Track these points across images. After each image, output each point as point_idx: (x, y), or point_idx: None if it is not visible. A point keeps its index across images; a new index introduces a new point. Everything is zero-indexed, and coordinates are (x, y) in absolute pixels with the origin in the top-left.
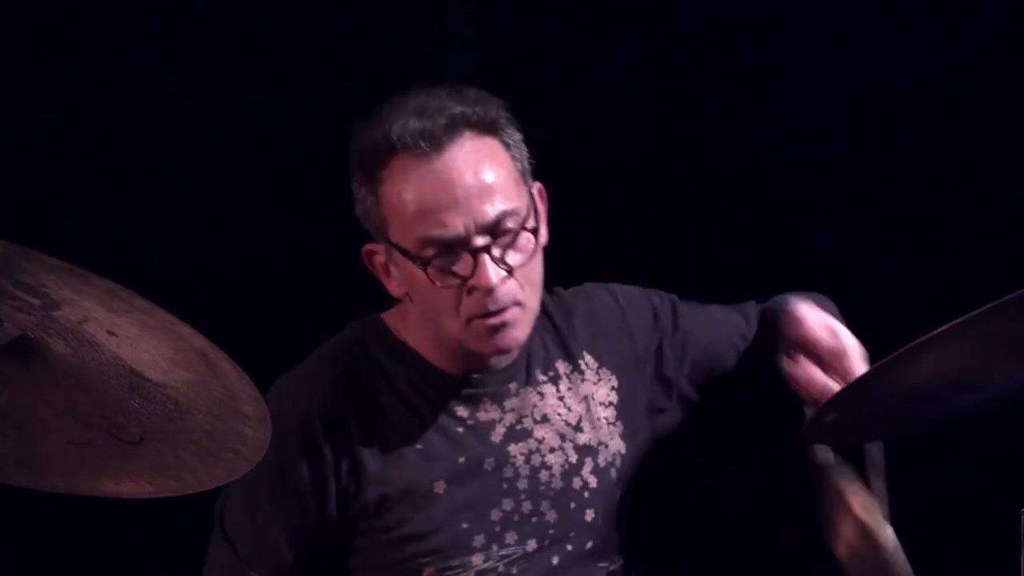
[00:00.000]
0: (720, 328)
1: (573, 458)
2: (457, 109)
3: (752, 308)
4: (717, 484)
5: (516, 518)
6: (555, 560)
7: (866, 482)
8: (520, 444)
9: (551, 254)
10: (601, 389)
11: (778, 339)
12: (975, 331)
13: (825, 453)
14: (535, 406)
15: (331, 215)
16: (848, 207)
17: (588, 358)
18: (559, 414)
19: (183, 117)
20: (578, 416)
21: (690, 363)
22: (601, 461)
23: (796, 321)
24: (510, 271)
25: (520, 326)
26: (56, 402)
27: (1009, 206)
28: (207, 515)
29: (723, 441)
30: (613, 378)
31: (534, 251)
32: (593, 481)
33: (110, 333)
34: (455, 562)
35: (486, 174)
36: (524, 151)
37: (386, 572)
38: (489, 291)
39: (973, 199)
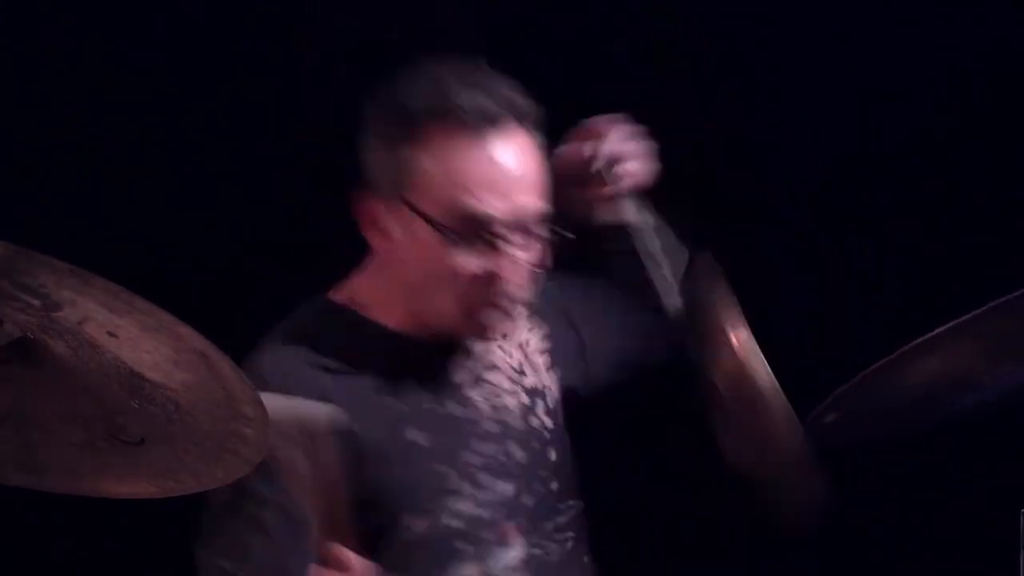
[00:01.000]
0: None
1: (526, 400)
2: (514, 97)
3: None
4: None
5: (487, 460)
6: (528, 501)
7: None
8: (478, 389)
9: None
10: (535, 336)
11: None
12: (975, 331)
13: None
14: (483, 353)
15: (331, 216)
16: (848, 207)
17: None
18: (503, 359)
19: (183, 117)
20: (519, 361)
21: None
22: (550, 402)
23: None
24: (538, 269)
25: (513, 320)
26: (56, 403)
27: (1009, 206)
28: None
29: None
30: (544, 325)
31: (546, 256)
32: (549, 421)
33: (110, 334)
34: (431, 505)
35: (534, 169)
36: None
37: (367, 530)
38: (519, 285)
39: (973, 199)
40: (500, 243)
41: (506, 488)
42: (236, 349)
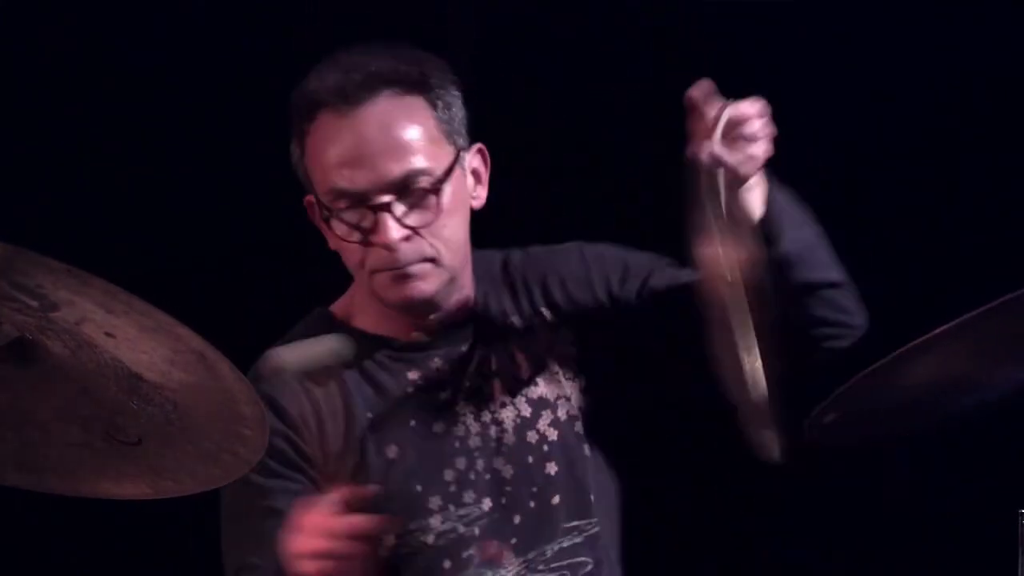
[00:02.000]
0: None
1: (526, 412)
2: (378, 66)
3: None
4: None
5: (471, 476)
6: (517, 518)
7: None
8: (468, 403)
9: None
10: (559, 345)
11: None
12: (974, 332)
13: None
14: (483, 363)
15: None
16: (848, 207)
17: (546, 312)
18: (509, 370)
19: (183, 117)
20: (530, 371)
21: (652, 320)
22: (561, 414)
23: None
24: (414, 229)
25: (430, 280)
26: (55, 404)
27: (1009, 206)
28: (205, 516)
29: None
30: (571, 333)
31: (445, 210)
32: (553, 434)
33: (108, 335)
34: (413, 526)
35: (397, 132)
36: (457, 112)
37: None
38: (389, 248)
39: (973, 199)
40: (369, 212)
41: (485, 504)
42: (235, 350)
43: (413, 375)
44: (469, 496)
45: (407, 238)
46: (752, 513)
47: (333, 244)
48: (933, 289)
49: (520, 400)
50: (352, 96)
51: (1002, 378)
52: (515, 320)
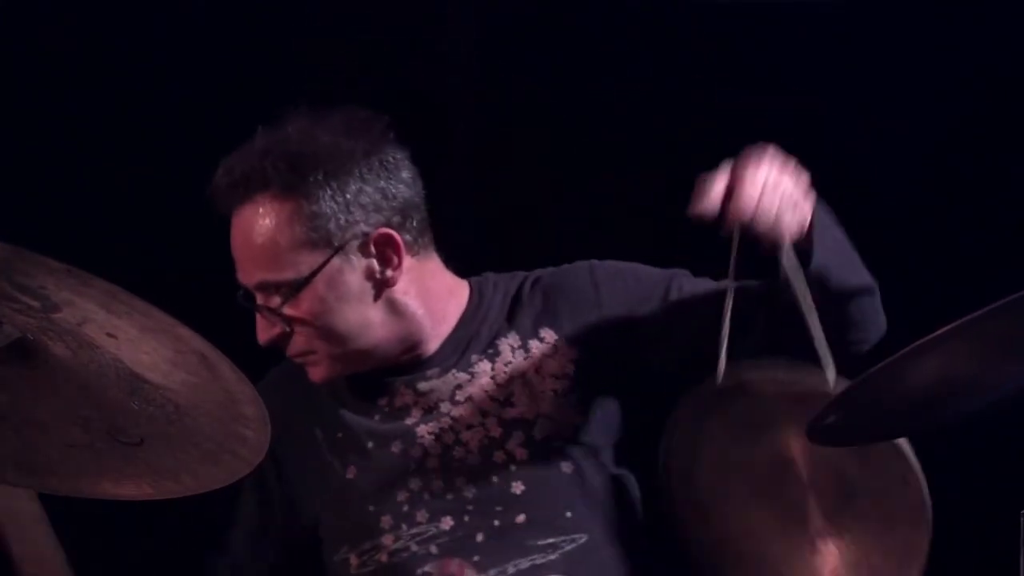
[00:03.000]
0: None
1: (496, 432)
2: (246, 170)
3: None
4: None
5: (426, 496)
6: (479, 536)
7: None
8: (431, 424)
9: (552, 247)
10: (556, 362)
11: None
12: (975, 333)
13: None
14: (458, 387)
15: None
16: (848, 208)
17: (547, 333)
18: (485, 391)
19: (183, 117)
20: (510, 391)
21: (674, 338)
22: (538, 433)
23: None
24: (283, 328)
25: (320, 367)
26: (56, 404)
27: (1009, 206)
28: (206, 517)
29: None
30: (573, 351)
31: (312, 311)
32: (522, 453)
33: (110, 335)
34: (367, 545)
35: (251, 245)
36: (339, 207)
37: (326, 569)
38: (262, 343)
39: (975, 199)
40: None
41: (444, 523)
42: (236, 350)
43: (380, 400)
44: (422, 516)
45: (275, 337)
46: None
47: None
48: (935, 290)
49: (491, 421)
50: (222, 202)
51: (1004, 379)
52: (505, 340)
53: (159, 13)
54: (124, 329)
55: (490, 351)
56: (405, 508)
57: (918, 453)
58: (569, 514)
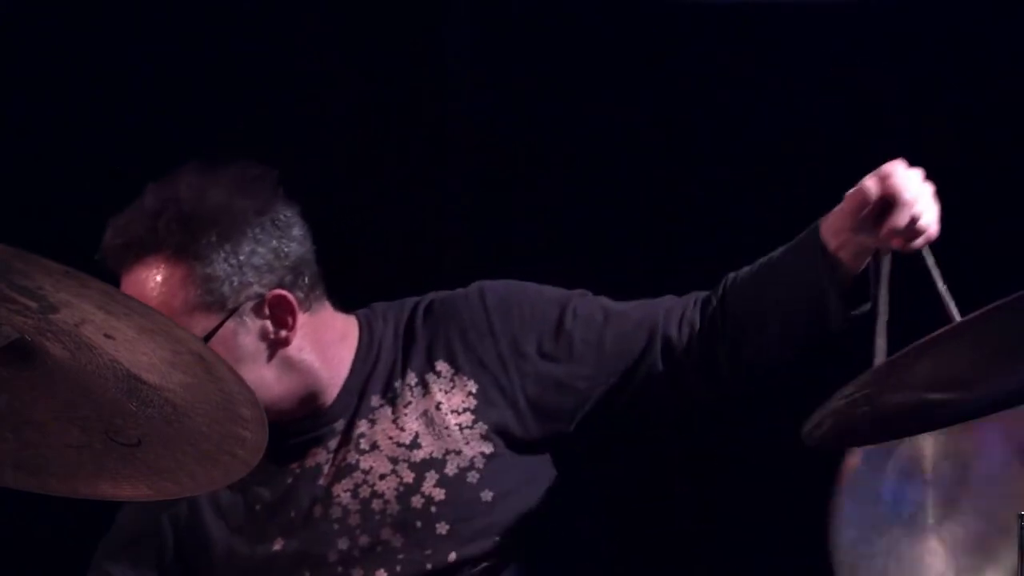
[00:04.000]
0: (616, 321)
1: (409, 478)
2: (135, 231)
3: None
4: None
5: (356, 553)
6: None
7: None
8: (345, 481)
9: (550, 254)
10: (456, 396)
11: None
12: (973, 334)
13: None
14: (363, 436)
15: (330, 218)
16: None
17: (442, 366)
18: (390, 437)
19: (183, 118)
20: (414, 433)
21: (580, 361)
22: (450, 470)
23: (842, 209)
24: None
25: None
26: (54, 405)
27: (1009, 206)
28: None
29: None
30: (471, 383)
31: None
32: (439, 494)
33: (108, 336)
34: None
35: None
36: (232, 270)
37: None
38: None
39: (973, 200)
40: None
41: (380, 574)
42: None
43: (294, 464)
44: (358, 572)
45: None
46: (749, 515)
47: None
48: (933, 291)
49: (402, 467)
50: (113, 262)
51: (1001, 380)
52: (403, 379)
53: (159, 13)
54: (122, 330)
55: (389, 395)
56: (340, 569)
57: None
58: (497, 538)
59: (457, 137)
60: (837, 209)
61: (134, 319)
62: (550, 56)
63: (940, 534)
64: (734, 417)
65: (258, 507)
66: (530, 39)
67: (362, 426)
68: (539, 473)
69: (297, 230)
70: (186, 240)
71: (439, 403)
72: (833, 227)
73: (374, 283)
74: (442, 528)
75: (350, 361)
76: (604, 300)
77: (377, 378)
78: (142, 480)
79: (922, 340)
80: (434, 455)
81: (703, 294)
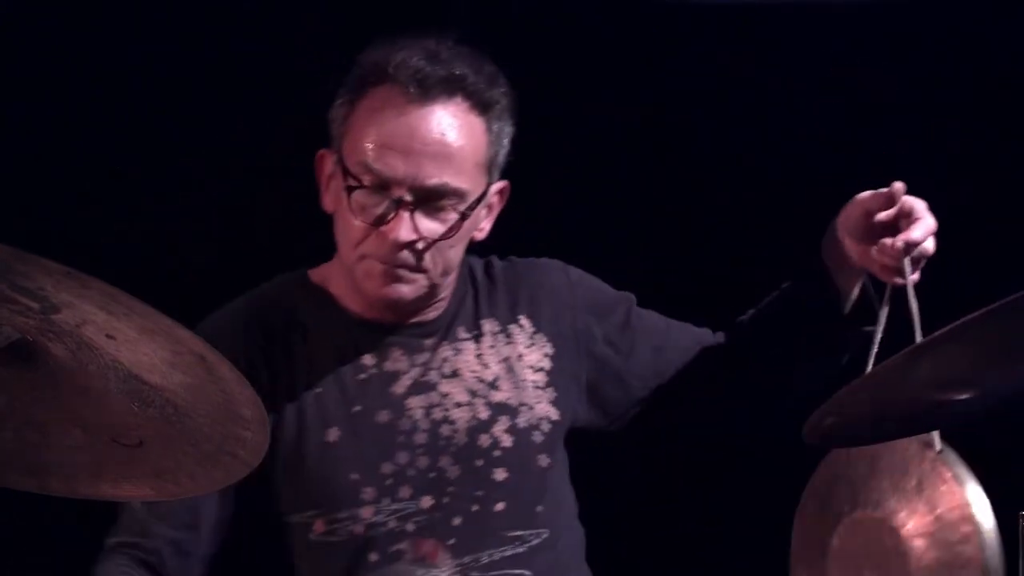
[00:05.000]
0: (675, 334)
1: (484, 414)
2: (462, 70)
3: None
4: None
5: (411, 472)
6: (457, 520)
7: None
8: (421, 397)
9: (550, 254)
10: (534, 353)
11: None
12: (973, 334)
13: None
14: (446, 360)
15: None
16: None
17: (525, 322)
18: (473, 371)
19: (183, 119)
20: (495, 374)
21: (639, 360)
22: (521, 422)
23: (838, 222)
24: (423, 238)
25: (413, 287)
26: (55, 406)
27: (1009, 207)
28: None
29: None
30: (548, 345)
31: (457, 233)
32: (507, 440)
33: (109, 337)
34: (343, 514)
35: (451, 143)
36: (505, 146)
37: (280, 526)
38: (394, 243)
39: (973, 200)
40: (389, 202)
41: (423, 501)
42: None
43: (368, 360)
44: (406, 491)
45: (413, 242)
46: (749, 515)
47: (331, 207)
48: (933, 291)
49: (479, 402)
50: (427, 87)
51: (1001, 381)
52: (489, 324)
53: (159, 13)
54: (123, 330)
55: (475, 331)
56: (389, 482)
57: None
58: (539, 508)
59: None
60: (838, 222)
61: (135, 319)
62: (550, 56)
63: None
64: (734, 417)
65: (320, 390)
66: (530, 39)
67: (447, 351)
68: (565, 459)
69: None
70: (492, 97)
71: (520, 354)
72: (825, 243)
73: None
74: (500, 474)
75: (454, 286)
76: (655, 315)
77: (466, 312)
78: (143, 481)
79: (922, 340)
80: (510, 401)
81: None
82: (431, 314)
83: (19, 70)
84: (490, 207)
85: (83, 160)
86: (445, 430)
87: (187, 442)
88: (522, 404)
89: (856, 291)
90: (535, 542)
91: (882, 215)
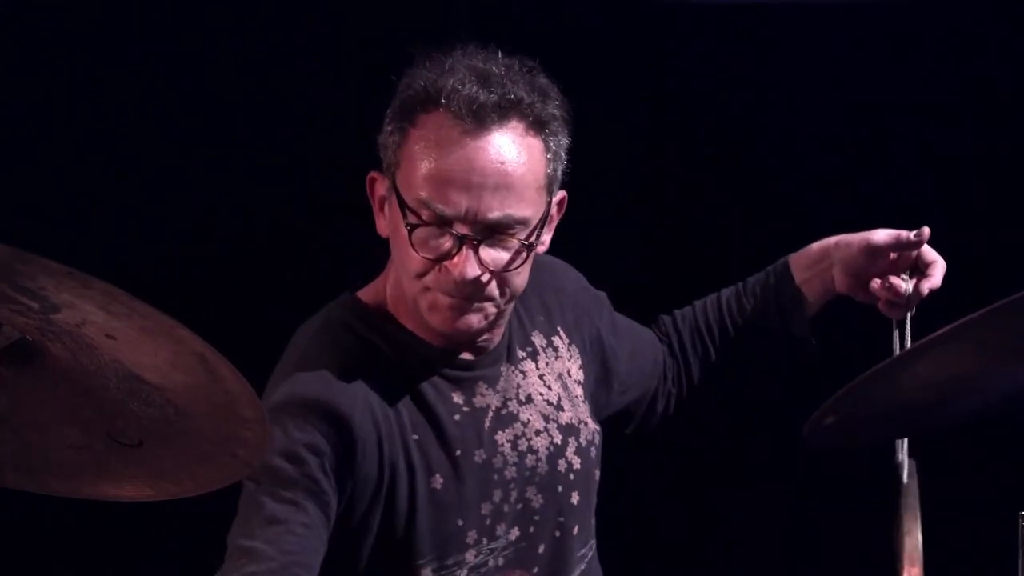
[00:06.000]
0: (641, 339)
1: (558, 439)
2: (516, 92)
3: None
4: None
5: (505, 508)
6: (541, 548)
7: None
8: (507, 430)
9: (552, 249)
10: (573, 365)
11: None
12: (973, 334)
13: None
14: (519, 386)
15: (333, 220)
16: (849, 211)
17: (561, 333)
18: (540, 393)
19: (183, 119)
20: (557, 394)
21: (623, 365)
22: (583, 440)
23: (831, 251)
24: (488, 271)
25: (479, 315)
26: (55, 406)
27: (1009, 207)
28: (205, 518)
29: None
30: (579, 355)
31: (524, 260)
32: (577, 462)
33: (109, 336)
34: (450, 560)
35: (511, 173)
36: (563, 159)
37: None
38: (461, 280)
39: (973, 200)
40: (451, 238)
41: (512, 534)
42: (236, 352)
43: (458, 398)
44: (501, 529)
45: (478, 276)
46: (749, 515)
47: (387, 233)
48: (931, 292)
49: (552, 427)
50: (482, 116)
51: (1001, 380)
52: (537, 339)
53: (159, 13)
54: (123, 330)
55: (529, 348)
56: (488, 522)
57: (918, 453)
58: (593, 521)
59: None
60: (831, 251)
61: (135, 319)
62: (550, 56)
63: None
64: (734, 417)
65: (417, 437)
66: (530, 39)
67: (516, 376)
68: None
69: None
70: (546, 114)
71: (568, 369)
72: (804, 263)
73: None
74: (575, 498)
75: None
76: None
77: (517, 328)
78: (143, 481)
79: (922, 340)
80: (572, 421)
81: (666, 317)
82: (495, 338)
83: (19, 70)
84: (550, 219)
85: (83, 160)
86: (530, 460)
87: (187, 442)
88: (580, 422)
89: (815, 311)
90: (589, 555)
91: (901, 257)
